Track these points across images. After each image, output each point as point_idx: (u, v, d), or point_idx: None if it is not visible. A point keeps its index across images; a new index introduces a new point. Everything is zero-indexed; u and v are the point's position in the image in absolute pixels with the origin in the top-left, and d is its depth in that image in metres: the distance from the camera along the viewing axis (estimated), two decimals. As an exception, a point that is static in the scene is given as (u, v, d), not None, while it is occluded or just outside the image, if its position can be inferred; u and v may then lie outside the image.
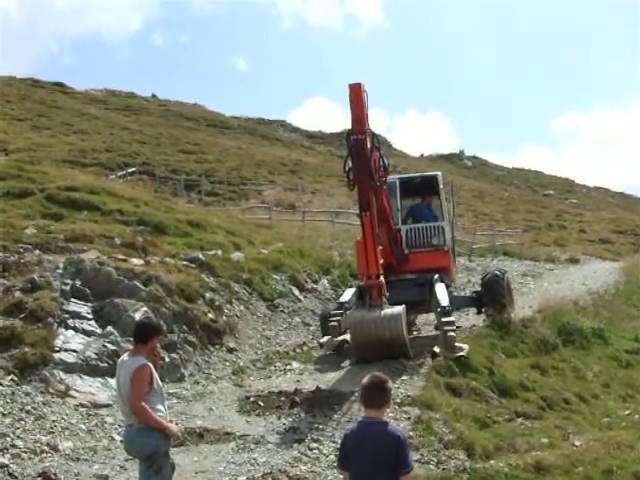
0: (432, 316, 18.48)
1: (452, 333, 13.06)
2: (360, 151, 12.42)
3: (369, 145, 12.55)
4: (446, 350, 13.12)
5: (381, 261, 13.07)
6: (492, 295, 15.78)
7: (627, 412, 13.18)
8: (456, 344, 13.11)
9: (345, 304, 14.27)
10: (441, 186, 16.32)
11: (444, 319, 13.34)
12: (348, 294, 14.88)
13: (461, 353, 13.16)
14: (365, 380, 5.13)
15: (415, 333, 16.29)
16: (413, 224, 16.04)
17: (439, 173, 16.95)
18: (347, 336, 13.71)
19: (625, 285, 25.80)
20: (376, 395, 5.09)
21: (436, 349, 13.50)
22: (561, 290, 22.90)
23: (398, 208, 15.89)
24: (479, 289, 16.66)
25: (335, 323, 13.59)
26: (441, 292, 14.21)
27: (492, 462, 9.57)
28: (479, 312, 16.28)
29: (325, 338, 14.07)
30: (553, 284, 25.89)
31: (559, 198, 75.96)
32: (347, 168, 12.87)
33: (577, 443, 10.79)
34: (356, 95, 12.32)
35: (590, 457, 9.97)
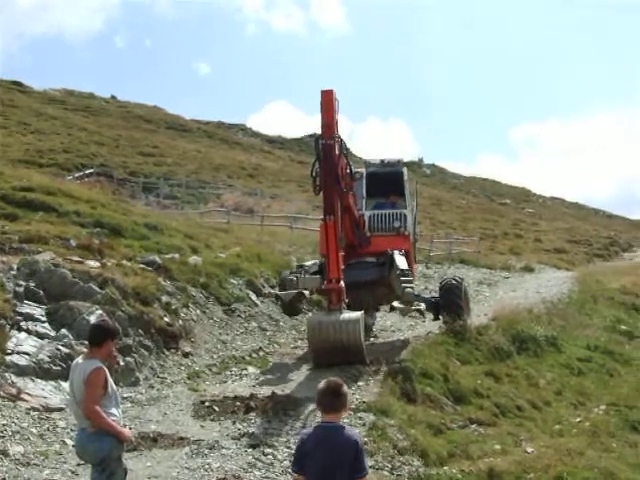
0: (389, 322, 18.67)
1: (409, 289, 14.15)
2: (328, 156, 12.67)
3: (337, 151, 12.81)
4: (404, 304, 14.41)
5: (342, 267, 13.19)
6: (450, 301, 16.03)
7: (578, 419, 13.39)
8: (413, 300, 14.46)
9: (305, 267, 15.21)
10: (405, 177, 16.97)
11: (403, 278, 14.29)
12: (309, 262, 15.89)
13: (418, 307, 14.63)
14: (321, 385, 5.19)
15: (372, 339, 16.36)
16: (376, 210, 16.65)
17: (404, 169, 17.47)
18: (305, 292, 14.36)
19: (578, 294, 26.19)
20: (333, 400, 5.12)
21: (395, 303, 14.73)
22: (516, 298, 23.15)
23: (363, 196, 16.47)
24: (437, 295, 16.87)
25: (294, 277, 14.35)
26: (400, 259, 15.04)
27: (445, 468, 9.68)
28: (436, 318, 16.46)
29: (282, 292, 14.59)
30: (508, 292, 26.16)
31: (515, 207, 76.86)
32: (314, 173, 13.10)
33: (529, 450, 10.94)
34: (327, 101, 12.64)
35: (541, 464, 10.12)
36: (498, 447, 10.92)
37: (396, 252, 15.40)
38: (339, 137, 12.98)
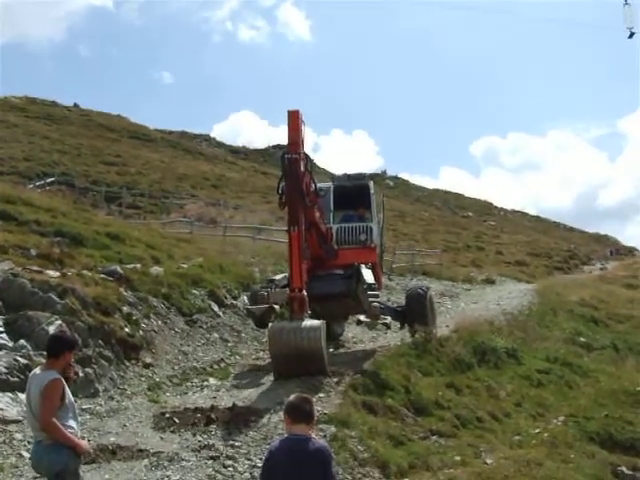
0: (351, 333, 18.69)
1: (376, 304, 14.69)
2: (293, 169, 13.12)
3: (302, 168, 13.29)
4: (371, 319, 15.11)
5: (305, 277, 13.35)
6: (415, 310, 16.39)
7: (537, 430, 13.50)
8: (379, 314, 14.98)
9: (275, 281, 15.46)
10: (372, 191, 17.27)
11: (369, 292, 14.85)
12: (279, 276, 16.20)
13: (384, 321, 15.30)
14: (291, 398, 5.27)
15: (333, 350, 16.37)
16: (344, 223, 16.98)
17: (371, 182, 17.79)
18: (276, 306, 14.57)
19: (538, 306, 26.46)
20: (305, 410, 5.19)
21: (361, 317, 15.55)
22: (477, 310, 23.34)
23: (331, 209, 16.81)
24: (402, 305, 17.25)
25: (264, 293, 14.58)
26: (366, 273, 15.55)
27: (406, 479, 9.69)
28: (402, 326, 16.78)
29: (253, 307, 14.86)
30: (469, 304, 26.36)
31: (478, 220, 77.58)
32: (280, 190, 13.50)
33: (489, 461, 11.01)
34: (293, 121, 13.31)
35: (501, 475, 10.19)
36: (458, 458, 10.95)
37: (363, 266, 15.76)
38: (305, 155, 13.48)
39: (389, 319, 15.61)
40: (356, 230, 16.78)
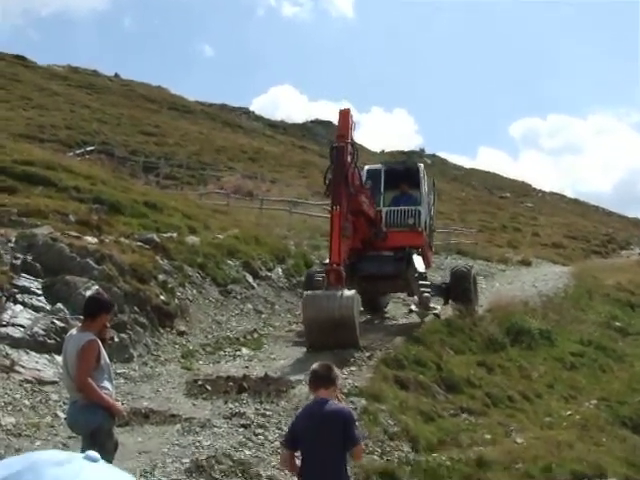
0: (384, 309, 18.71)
1: (427, 294, 15.24)
2: (339, 156, 13.94)
3: (349, 159, 14.10)
4: (421, 309, 15.46)
5: (344, 254, 13.64)
6: (460, 287, 16.89)
7: (568, 413, 13.44)
8: (430, 304, 15.46)
9: None
10: (421, 175, 17.64)
11: (420, 282, 15.32)
12: None
13: (434, 312, 15.66)
14: (313, 366, 5.56)
15: (366, 326, 16.40)
16: (393, 207, 17.31)
17: (421, 165, 18.35)
18: None
19: (574, 289, 26.20)
20: (322, 375, 5.42)
21: (412, 307, 16.07)
22: (512, 291, 23.18)
23: (381, 192, 17.15)
24: (445, 282, 17.86)
25: (320, 277, 14.84)
26: (418, 261, 15.98)
27: (435, 455, 9.71)
28: (446, 302, 17.12)
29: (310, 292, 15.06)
30: (504, 285, 26.18)
31: (515, 201, 76.78)
32: (327, 180, 14.32)
33: (519, 440, 10.99)
34: (344, 118, 14.49)
35: (530, 454, 10.18)
36: (488, 437, 10.96)
37: (414, 254, 16.16)
38: (352, 149, 14.24)
39: (439, 309, 16.06)
40: (405, 214, 17.03)
